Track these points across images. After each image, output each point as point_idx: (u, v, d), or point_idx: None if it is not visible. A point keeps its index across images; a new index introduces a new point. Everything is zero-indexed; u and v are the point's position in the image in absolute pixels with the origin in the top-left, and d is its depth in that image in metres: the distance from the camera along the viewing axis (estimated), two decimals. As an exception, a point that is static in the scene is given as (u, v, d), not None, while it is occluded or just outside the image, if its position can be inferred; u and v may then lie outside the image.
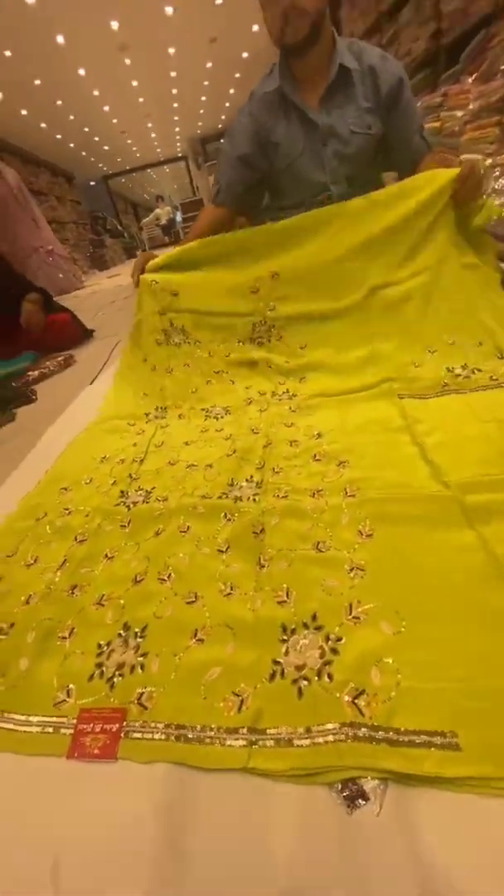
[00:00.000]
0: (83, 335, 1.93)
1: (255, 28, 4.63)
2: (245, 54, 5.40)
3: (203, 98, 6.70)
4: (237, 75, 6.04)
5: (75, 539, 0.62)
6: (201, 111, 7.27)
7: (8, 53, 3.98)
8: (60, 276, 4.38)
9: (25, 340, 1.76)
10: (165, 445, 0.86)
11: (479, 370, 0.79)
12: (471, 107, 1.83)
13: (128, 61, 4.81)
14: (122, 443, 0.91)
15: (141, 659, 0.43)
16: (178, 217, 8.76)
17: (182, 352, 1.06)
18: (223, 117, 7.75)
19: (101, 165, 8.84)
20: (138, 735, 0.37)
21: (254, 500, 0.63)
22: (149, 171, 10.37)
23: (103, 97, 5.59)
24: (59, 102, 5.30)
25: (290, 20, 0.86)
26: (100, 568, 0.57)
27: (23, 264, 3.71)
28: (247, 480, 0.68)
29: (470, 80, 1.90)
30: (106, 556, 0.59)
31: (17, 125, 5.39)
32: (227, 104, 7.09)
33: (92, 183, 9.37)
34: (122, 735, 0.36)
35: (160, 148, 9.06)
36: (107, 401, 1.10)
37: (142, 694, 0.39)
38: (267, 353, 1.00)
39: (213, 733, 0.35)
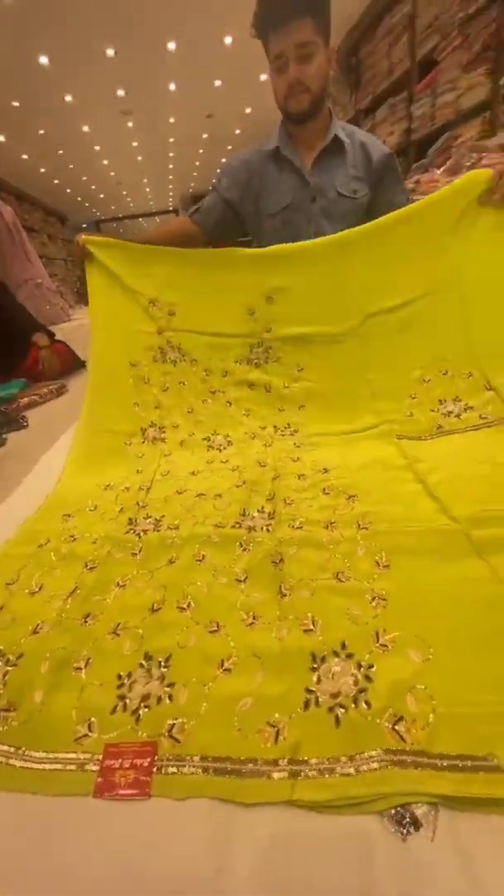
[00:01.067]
0: (75, 365, 1.94)
1: (248, 110, 5.20)
2: (238, 131, 6.01)
3: (197, 163, 7.30)
4: (229, 147, 6.67)
5: (85, 566, 0.60)
6: (194, 174, 7.89)
7: (16, 104, 4.24)
8: (48, 307, 4.43)
9: (21, 369, 1.75)
10: (171, 475, 0.86)
11: (471, 407, 0.85)
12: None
13: (130, 124, 5.23)
14: (124, 470, 0.90)
15: (168, 689, 0.41)
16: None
17: (178, 370, 1.04)
18: (214, 181, 8.42)
19: (94, 210, 9.27)
20: (173, 770, 0.35)
21: (267, 530, 0.64)
22: (140, 220, 10.95)
23: (103, 152, 5.98)
24: (61, 152, 5.62)
25: (294, 93, 0.96)
26: (111, 596, 0.55)
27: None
28: (258, 511, 0.69)
29: (438, 171, 2.20)
30: (117, 584, 0.57)
31: (17, 167, 5.63)
32: (219, 170, 7.73)
33: (84, 226, 9.75)
34: (154, 770, 0.35)
35: (153, 200, 9.66)
36: (90, 406, 1.04)
37: (172, 726, 0.38)
38: (265, 375, 1.00)
39: (252, 766, 0.34)
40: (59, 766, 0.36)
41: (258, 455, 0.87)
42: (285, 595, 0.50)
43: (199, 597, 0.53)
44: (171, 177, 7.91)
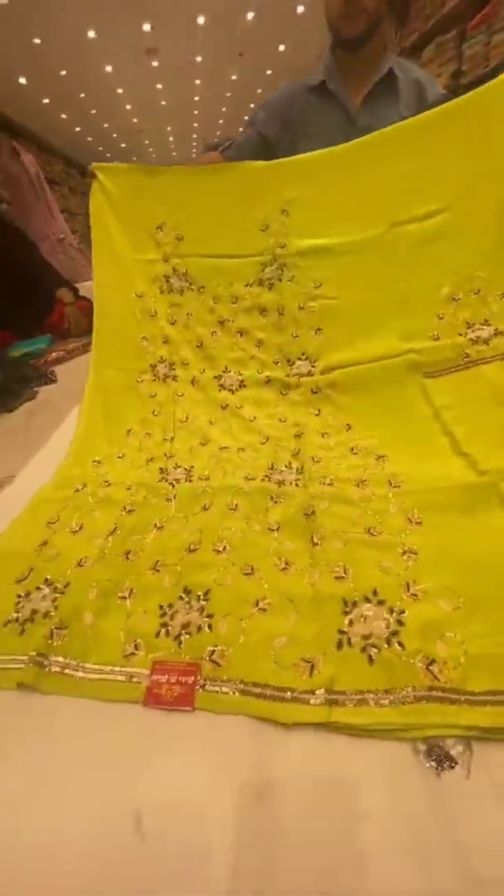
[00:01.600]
0: (100, 323, 1.93)
1: (282, 48, 4.78)
2: (269, 71, 5.56)
3: (224, 108, 6.83)
4: (259, 91, 6.20)
5: (123, 509, 0.63)
6: (220, 121, 7.41)
7: (37, 41, 4.00)
8: (69, 264, 4.37)
9: (45, 325, 1.76)
10: (190, 422, 0.86)
11: (501, 332, 0.78)
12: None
13: (155, 64, 4.89)
14: (141, 411, 0.89)
15: (207, 620, 0.44)
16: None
17: (185, 300, 0.99)
18: (241, 130, 7.90)
19: (115, 161, 8.87)
20: (215, 689, 0.38)
21: (296, 484, 0.65)
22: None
23: (126, 96, 5.65)
24: (83, 95, 5.34)
25: (350, 12, 0.87)
26: (150, 537, 0.58)
27: (34, 249, 3.68)
28: (286, 466, 0.70)
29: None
30: (155, 525, 0.60)
31: (38, 112, 5.39)
32: (246, 117, 7.23)
33: (104, 178, 9.40)
34: (197, 687, 0.38)
35: (176, 151, 9.18)
36: (98, 343, 1.02)
37: (213, 651, 0.41)
38: (278, 297, 0.93)
39: (290, 693, 0.37)
40: (110, 677, 0.40)
41: (276, 410, 0.85)
42: (317, 544, 0.52)
43: (233, 541, 0.55)
44: (195, 124, 7.46)
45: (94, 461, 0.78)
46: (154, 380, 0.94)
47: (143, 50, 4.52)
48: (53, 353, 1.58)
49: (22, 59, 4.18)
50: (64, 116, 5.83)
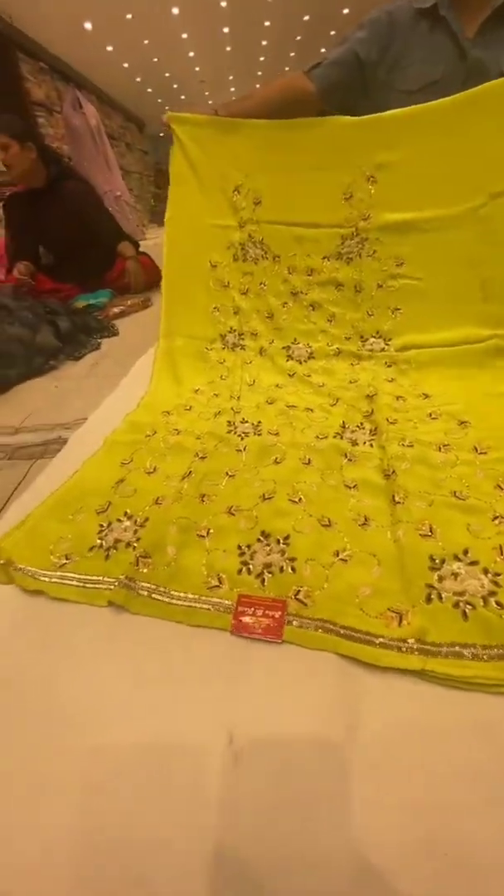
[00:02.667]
0: (158, 279, 1.93)
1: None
2: (346, 10, 5.05)
3: (292, 54, 6.34)
4: (333, 32, 5.68)
5: (196, 455, 0.64)
6: (286, 68, 6.90)
7: (105, -19, 3.84)
8: (126, 222, 4.36)
9: (106, 279, 1.78)
10: (257, 385, 0.86)
11: None
12: None
13: (224, 4, 4.58)
14: (209, 374, 0.91)
15: (289, 562, 0.44)
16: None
17: (259, 269, 0.96)
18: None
19: (174, 115, 8.61)
20: (303, 626, 0.38)
21: (370, 445, 0.63)
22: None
23: (191, 41, 5.37)
24: (147, 41, 5.12)
25: None
26: (223, 483, 0.58)
27: (93, 205, 3.70)
28: (358, 426, 0.68)
29: None
30: (227, 473, 0.60)
31: (101, 61, 5.25)
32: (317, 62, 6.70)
33: (161, 135, 9.15)
34: (285, 622, 0.38)
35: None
36: (169, 310, 1.01)
37: (298, 591, 0.41)
38: (356, 273, 0.89)
39: (381, 640, 0.36)
40: (196, 605, 0.41)
41: (346, 373, 0.83)
42: (399, 503, 0.50)
43: (309, 493, 0.54)
44: (259, 72, 7.00)
45: (163, 412, 0.79)
46: (223, 348, 0.94)
47: (211, -13, 4.23)
48: (114, 308, 1.60)
49: (89, 2, 4.04)
50: (126, 65, 5.65)
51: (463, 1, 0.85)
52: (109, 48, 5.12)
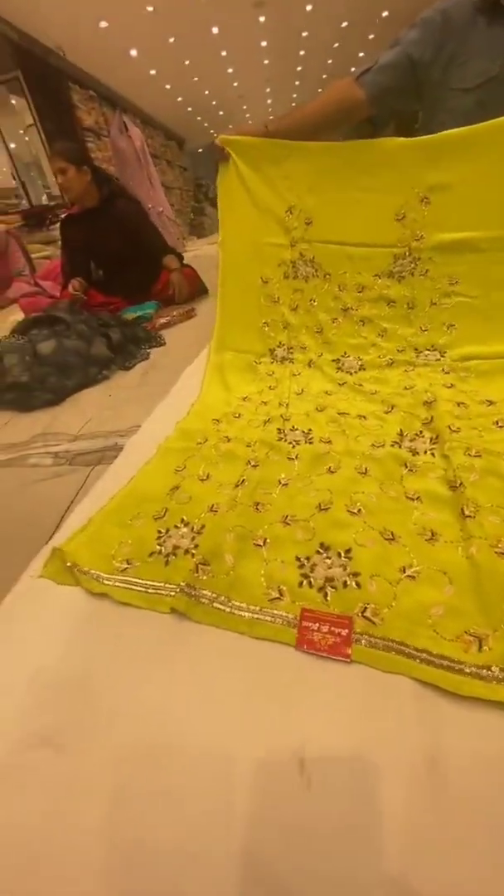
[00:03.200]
0: (201, 290, 1.98)
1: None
2: (385, 13, 5.00)
3: (329, 61, 6.36)
4: (371, 36, 5.63)
5: (248, 463, 0.64)
6: (324, 76, 6.92)
7: (150, 9, 4.04)
8: (168, 237, 4.53)
9: (151, 291, 1.84)
10: (306, 393, 0.85)
11: None
12: None
13: (262, 19, 4.68)
14: (258, 385, 0.91)
15: (354, 577, 0.42)
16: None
17: (309, 286, 0.97)
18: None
19: (212, 131, 8.85)
20: (373, 646, 0.36)
21: (432, 454, 0.60)
22: (256, 139, 10.25)
23: (230, 58, 5.52)
24: (187, 62, 5.34)
25: None
26: (276, 492, 0.58)
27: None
28: (417, 434, 0.65)
29: None
30: (280, 482, 0.60)
31: (145, 84, 5.53)
32: (352, 68, 6.67)
33: (199, 150, 9.45)
34: (353, 640, 0.37)
35: (273, 115, 8.86)
36: (220, 324, 1.04)
37: (365, 608, 0.39)
38: (408, 291, 0.89)
39: (460, 665, 0.34)
40: (258, 616, 0.41)
41: (400, 380, 0.81)
42: (469, 517, 0.47)
43: (368, 504, 0.52)
44: (297, 82, 7.07)
45: (213, 419, 0.80)
46: (272, 362, 0.96)
47: (250, 3, 4.33)
48: (161, 319, 1.65)
49: (135, 30, 4.27)
50: (168, 87, 5.91)
51: None
52: (153, 72, 5.37)
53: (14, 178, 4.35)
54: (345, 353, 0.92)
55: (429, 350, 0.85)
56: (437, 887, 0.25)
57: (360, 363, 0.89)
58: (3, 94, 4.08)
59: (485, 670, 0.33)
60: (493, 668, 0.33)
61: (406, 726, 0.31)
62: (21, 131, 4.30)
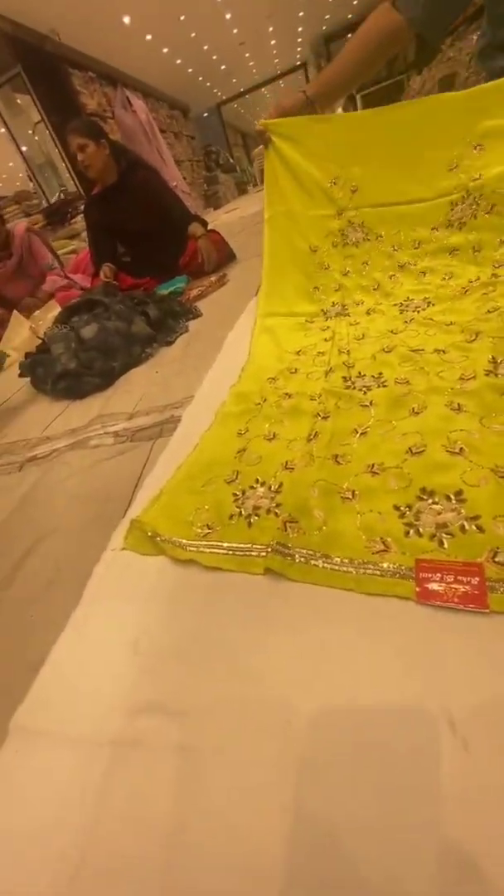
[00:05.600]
0: (230, 256, 1.89)
1: None
2: None
3: (333, -15, 5.69)
4: None
5: (317, 416, 0.59)
6: (327, 16, 6.23)
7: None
8: (184, 212, 4.41)
9: (179, 265, 1.79)
10: (367, 338, 0.77)
11: None
12: None
13: None
14: (312, 338, 0.85)
15: (473, 521, 0.37)
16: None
17: (361, 251, 0.94)
18: (355, 2, 6.55)
19: (216, 91, 8.39)
20: (514, 593, 0.31)
21: (537, 380, 0.51)
22: (263, 90, 9.55)
23: (226, 1, 5.11)
24: (182, 18, 5.01)
25: None
26: (355, 441, 0.52)
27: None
28: (513, 362, 0.56)
29: None
30: (356, 431, 0.54)
31: (143, 54, 5.29)
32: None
33: (205, 115, 9.02)
34: (486, 588, 0.31)
35: (278, 58, 8.16)
36: (267, 292, 1.01)
37: (496, 552, 0.34)
38: (473, 234, 0.82)
39: None
40: (365, 571, 0.36)
41: (480, 305, 0.70)
42: None
43: (471, 442, 0.45)
44: (301, 13, 6.42)
45: (268, 378, 0.75)
46: (326, 320, 0.91)
47: None
48: (193, 291, 1.60)
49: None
50: (166, 50, 5.61)
51: None
52: (149, 37, 5.11)
53: (31, 180, 4.40)
54: (408, 297, 0.84)
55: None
56: None
57: (427, 300, 0.81)
58: (8, 93, 4.07)
59: None
60: None
61: None
62: (30, 131, 4.29)
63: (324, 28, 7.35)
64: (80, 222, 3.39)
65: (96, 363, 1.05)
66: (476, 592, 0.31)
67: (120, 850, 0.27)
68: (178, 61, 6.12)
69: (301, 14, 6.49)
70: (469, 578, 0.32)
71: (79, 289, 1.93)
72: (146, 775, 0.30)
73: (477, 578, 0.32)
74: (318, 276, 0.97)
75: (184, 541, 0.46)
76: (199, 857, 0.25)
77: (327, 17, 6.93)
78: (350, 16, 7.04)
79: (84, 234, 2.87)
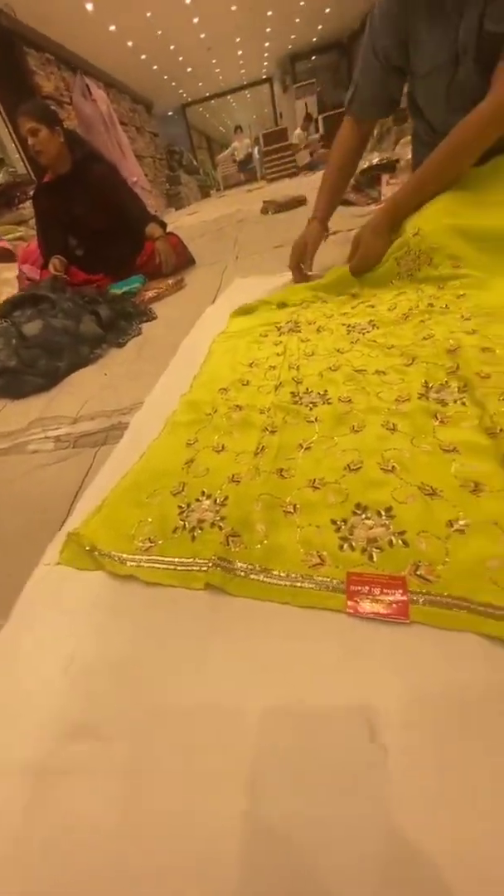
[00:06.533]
0: (189, 260, 1.88)
1: None
2: None
3: (302, 3, 5.91)
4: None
5: (265, 430, 0.60)
6: (297, 20, 6.45)
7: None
8: (144, 209, 4.31)
9: (136, 264, 1.74)
10: (316, 355, 0.81)
11: None
12: None
13: (226, -43, 4.31)
14: (264, 351, 0.88)
15: (400, 536, 0.39)
16: (257, 152, 8.14)
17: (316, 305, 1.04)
18: (319, 27, 6.85)
19: (181, 91, 8.34)
20: (433, 604, 0.34)
21: (462, 403, 0.56)
22: (229, 98, 9.64)
23: (195, 4, 5.11)
24: (149, 14, 4.94)
25: None
26: (300, 456, 0.54)
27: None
28: (443, 385, 0.61)
29: None
30: (301, 446, 0.56)
31: (105, 43, 5.13)
32: (328, 9, 6.21)
33: (170, 113, 8.93)
34: (408, 601, 0.34)
35: (245, 69, 8.30)
36: (233, 321, 1.09)
37: (417, 566, 0.36)
38: (418, 282, 0.91)
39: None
40: (301, 585, 0.38)
41: (417, 331, 0.76)
42: (515, 464, 0.44)
43: (402, 460, 0.49)
44: (268, 29, 6.58)
45: (220, 389, 0.76)
46: (279, 334, 0.95)
47: None
48: (149, 292, 1.57)
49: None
50: (130, 44, 5.50)
51: None
52: (112, 28, 4.98)
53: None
54: (357, 321, 0.90)
55: (444, 308, 0.81)
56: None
57: (372, 324, 0.86)
58: (-48, 63, 3.77)
59: None
60: None
61: (481, 686, 0.29)
62: (-23, 106, 3.99)
63: (289, 47, 7.60)
64: (28, 208, 3.20)
65: (39, 362, 0.99)
66: (399, 605, 0.33)
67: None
68: (143, 57, 6.02)
69: (269, 30, 6.66)
70: (393, 591, 0.34)
71: (26, 279, 1.82)
72: (80, 803, 0.29)
73: (400, 591, 0.34)
74: (279, 313, 1.05)
75: (124, 555, 0.45)
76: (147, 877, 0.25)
77: (293, 36, 7.17)
78: (314, 38, 7.35)
79: (33, 222, 2.71)
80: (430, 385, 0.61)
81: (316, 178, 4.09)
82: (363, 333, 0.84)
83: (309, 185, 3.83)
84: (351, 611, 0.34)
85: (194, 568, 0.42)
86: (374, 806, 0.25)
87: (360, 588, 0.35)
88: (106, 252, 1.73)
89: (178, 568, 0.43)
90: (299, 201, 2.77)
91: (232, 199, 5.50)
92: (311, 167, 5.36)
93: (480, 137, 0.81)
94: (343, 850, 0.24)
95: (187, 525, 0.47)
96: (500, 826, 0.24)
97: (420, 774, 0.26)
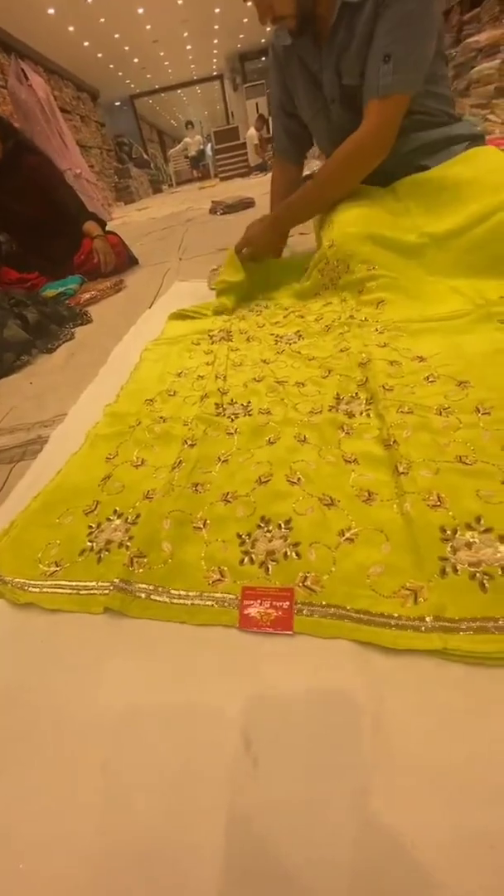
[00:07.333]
0: (130, 261, 1.84)
1: None
2: None
3: (248, 2, 5.92)
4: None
5: (185, 443, 0.60)
6: (245, 20, 6.45)
7: None
8: (87, 203, 4.13)
9: (73, 264, 1.68)
10: (244, 366, 0.82)
11: None
12: None
13: None
14: (194, 361, 0.88)
15: (294, 548, 0.41)
16: (209, 150, 8.08)
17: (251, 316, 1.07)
18: (268, 29, 6.89)
19: (128, 82, 8.08)
20: (314, 614, 0.36)
21: (367, 415, 0.60)
22: (179, 92, 9.47)
23: (138, -4, 4.98)
24: (90, 0, 4.74)
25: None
26: (216, 470, 0.55)
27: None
28: (353, 397, 0.64)
29: None
30: (219, 459, 0.57)
31: (44, 26, 4.87)
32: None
33: (118, 104, 8.62)
34: (294, 612, 0.36)
35: (194, 65, 8.19)
36: (169, 326, 1.10)
37: (305, 578, 0.38)
38: (341, 289, 0.95)
39: (397, 620, 0.34)
40: (199, 603, 0.39)
41: (337, 343, 0.80)
42: (403, 473, 0.47)
43: (308, 472, 0.51)
44: (216, 26, 6.55)
45: (146, 400, 0.75)
46: (211, 343, 0.96)
47: None
48: (86, 294, 1.52)
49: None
50: (71, 29, 5.25)
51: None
52: (51, 11, 4.74)
53: None
54: (286, 332, 0.93)
55: (363, 321, 0.85)
56: (392, 844, 0.25)
57: (298, 335, 0.89)
58: None
59: (419, 622, 0.33)
60: (426, 619, 0.33)
61: (350, 690, 0.31)
62: None
63: (238, 46, 7.59)
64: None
65: (-42, 370, 0.93)
66: (285, 616, 0.35)
67: None
68: (86, 44, 5.78)
69: (216, 27, 6.62)
70: (281, 603, 0.36)
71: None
72: None
73: (287, 602, 0.36)
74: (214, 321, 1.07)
75: (27, 581, 0.44)
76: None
77: (242, 36, 7.18)
78: (263, 40, 7.39)
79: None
80: (342, 397, 0.64)
81: (266, 178, 4.13)
82: (290, 344, 0.87)
83: (259, 186, 3.86)
84: (242, 625, 0.36)
85: (96, 592, 0.42)
86: (244, 812, 0.27)
87: (251, 602, 0.37)
88: (40, 248, 1.65)
89: (81, 592, 0.42)
90: (247, 204, 2.79)
91: (184, 196, 5.43)
92: (261, 168, 5.40)
93: (343, 170, 0.95)
94: (208, 857, 0.25)
95: (95, 546, 0.47)
96: (358, 832, 0.26)
97: (289, 780, 0.28)
